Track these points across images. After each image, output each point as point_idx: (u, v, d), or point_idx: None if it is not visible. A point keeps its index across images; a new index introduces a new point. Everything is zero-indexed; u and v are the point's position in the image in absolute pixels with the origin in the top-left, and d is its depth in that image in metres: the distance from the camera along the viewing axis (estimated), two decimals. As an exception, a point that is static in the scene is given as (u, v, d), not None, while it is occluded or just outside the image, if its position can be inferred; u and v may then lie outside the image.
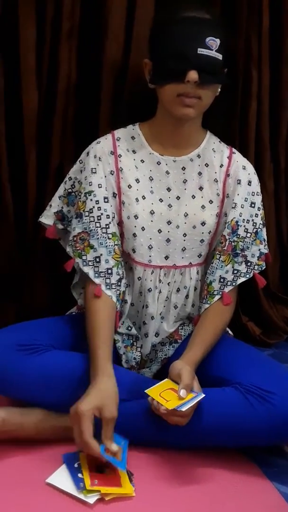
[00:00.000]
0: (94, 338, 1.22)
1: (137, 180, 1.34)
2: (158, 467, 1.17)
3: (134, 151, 1.36)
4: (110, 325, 1.27)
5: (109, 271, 1.30)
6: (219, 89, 1.31)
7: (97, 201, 1.31)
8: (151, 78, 1.30)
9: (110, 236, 1.31)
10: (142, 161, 1.35)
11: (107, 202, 1.32)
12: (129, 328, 1.38)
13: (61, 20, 1.46)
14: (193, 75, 1.21)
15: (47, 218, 1.41)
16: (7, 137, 1.50)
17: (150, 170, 1.35)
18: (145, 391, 1.15)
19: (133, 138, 1.37)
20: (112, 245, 1.31)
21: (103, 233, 1.30)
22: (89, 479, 1.08)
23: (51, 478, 1.10)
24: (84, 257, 1.30)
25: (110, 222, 1.31)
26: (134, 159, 1.35)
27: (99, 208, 1.31)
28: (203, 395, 1.14)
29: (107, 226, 1.31)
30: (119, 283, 1.31)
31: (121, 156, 1.34)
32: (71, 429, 1.19)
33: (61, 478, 1.10)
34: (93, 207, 1.31)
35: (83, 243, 1.31)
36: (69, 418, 1.12)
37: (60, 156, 1.54)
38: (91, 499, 1.05)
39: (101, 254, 1.30)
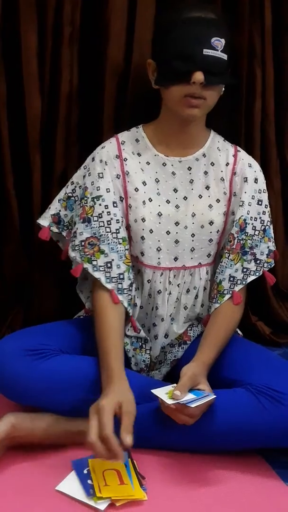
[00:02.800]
0: (105, 343, 1.21)
1: (144, 183, 1.33)
2: (170, 470, 1.16)
3: (139, 154, 1.35)
4: (120, 330, 1.26)
5: (121, 276, 1.28)
6: (223, 89, 1.30)
7: (106, 205, 1.30)
8: (156, 79, 1.29)
9: (120, 241, 1.30)
10: (148, 163, 1.34)
11: (116, 206, 1.31)
12: (138, 331, 1.37)
13: (62, 25, 1.46)
14: (199, 76, 1.20)
15: (43, 220, 1.40)
16: (11, 143, 1.51)
17: (156, 172, 1.34)
18: (151, 390, 1.15)
19: (137, 140, 1.36)
20: (123, 250, 1.30)
21: (114, 238, 1.29)
22: (98, 485, 1.07)
23: (61, 485, 1.09)
24: (94, 262, 1.29)
25: (120, 227, 1.30)
26: (140, 162, 1.34)
27: (108, 213, 1.30)
28: (214, 396, 1.13)
29: (117, 231, 1.30)
30: (130, 288, 1.30)
31: (126, 159, 1.34)
32: (83, 433, 1.18)
33: (71, 485, 1.09)
34: (102, 211, 1.30)
35: (93, 248, 1.30)
36: (90, 412, 1.08)
37: (65, 161, 1.54)
38: (102, 505, 1.04)
39: (113, 260, 1.29)
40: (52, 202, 1.41)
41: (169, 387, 1.17)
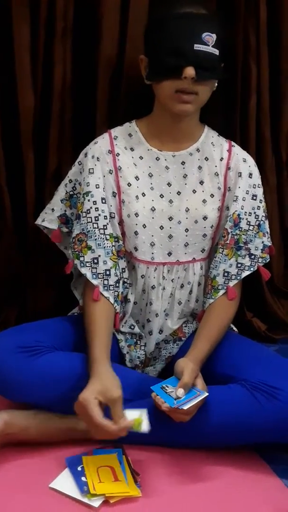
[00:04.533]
0: (92, 340, 1.21)
1: (137, 178, 1.33)
2: (164, 467, 1.15)
3: (132, 149, 1.34)
4: (108, 327, 1.26)
5: (107, 272, 1.28)
6: (216, 84, 1.30)
7: (95, 201, 1.30)
8: (148, 74, 1.29)
9: (107, 237, 1.29)
10: (141, 157, 1.34)
11: (105, 203, 1.30)
12: (132, 327, 1.37)
13: (54, 20, 1.45)
14: (190, 71, 1.20)
15: (51, 223, 1.39)
16: (4, 139, 1.50)
17: (149, 167, 1.33)
18: (151, 387, 1.15)
19: (130, 135, 1.36)
20: (110, 246, 1.29)
21: (101, 234, 1.29)
22: (92, 482, 1.06)
23: (55, 482, 1.08)
24: (81, 258, 1.29)
25: (107, 223, 1.30)
26: (133, 157, 1.34)
27: (96, 209, 1.29)
28: (206, 394, 1.12)
29: (105, 227, 1.29)
30: (117, 284, 1.29)
31: (119, 154, 1.33)
32: (76, 430, 1.19)
33: (65, 482, 1.08)
34: (91, 207, 1.30)
35: (81, 244, 1.30)
36: (76, 411, 1.09)
37: (58, 157, 1.53)
38: (96, 502, 1.03)
39: (99, 256, 1.29)
40: (51, 203, 1.40)
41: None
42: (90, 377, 1.13)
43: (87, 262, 1.29)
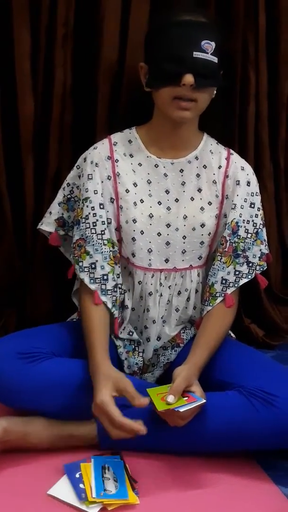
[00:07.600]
0: (91, 343, 1.22)
1: (135, 184, 1.33)
2: (162, 474, 1.15)
3: (131, 155, 1.35)
4: (106, 331, 1.27)
5: (105, 277, 1.29)
6: (215, 91, 1.30)
7: (93, 207, 1.30)
8: (147, 81, 1.30)
9: (105, 242, 1.30)
10: (140, 164, 1.34)
11: (103, 208, 1.31)
12: (131, 333, 1.37)
13: (55, 26, 1.45)
14: (189, 78, 1.21)
15: (48, 226, 1.40)
16: (4, 143, 1.50)
17: (148, 173, 1.34)
18: (147, 389, 1.15)
19: (130, 142, 1.36)
20: (107, 251, 1.30)
21: (99, 239, 1.30)
22: (90, 489, 1.06)
23: (53, 489, 1.08)
24: (80, 264, 1.30)
25: (105, 229, 1.31)
26: (132, 163, 1.34)
27: (94, 215, 1.30)
28: (204, 401, 1.13)
29: (103, 232, 1.30)
30: (115, 289, 1.30)
31: (118, 160, 1.34)
32: (75, 437, 1.19)
33: (63, 489, 1.08)
34: (89, 213, 1.30)
35: (80, 249, 1.31)
36: (95, 414, 1.11)
37: (58, 162, 1.54)
38: (94, 509, 1.03)
39: (97, 261, 1.29)
40: (51, 207, 1.41)
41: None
42: (97, 380, 1.14)
43: (85, 267, 1.30)
